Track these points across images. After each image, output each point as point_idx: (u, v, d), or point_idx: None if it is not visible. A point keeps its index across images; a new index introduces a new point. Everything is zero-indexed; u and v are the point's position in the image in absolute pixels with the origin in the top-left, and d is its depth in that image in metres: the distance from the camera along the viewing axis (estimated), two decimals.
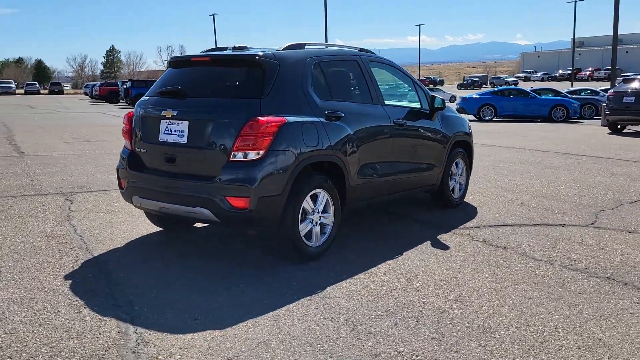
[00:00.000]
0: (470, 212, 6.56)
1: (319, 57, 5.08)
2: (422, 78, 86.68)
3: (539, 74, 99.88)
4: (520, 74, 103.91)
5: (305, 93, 4.72)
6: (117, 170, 5.10)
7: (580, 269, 4.58)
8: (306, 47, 5.13)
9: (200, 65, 4.89)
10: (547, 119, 24.14)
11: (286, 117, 4.45)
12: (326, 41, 37.18)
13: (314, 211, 4.70)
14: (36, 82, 79.93)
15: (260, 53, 4.68)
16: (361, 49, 5.86)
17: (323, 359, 3.08)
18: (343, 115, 4.95)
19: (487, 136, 15.76)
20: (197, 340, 3.28)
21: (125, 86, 40.49)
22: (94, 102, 48.34)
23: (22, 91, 70.58)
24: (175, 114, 4.58)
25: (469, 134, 6.92)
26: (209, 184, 4.34)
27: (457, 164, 6.75)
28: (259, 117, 4.30)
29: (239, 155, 4.30)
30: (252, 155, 4.29)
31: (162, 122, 4.69)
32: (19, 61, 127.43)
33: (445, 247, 5.15)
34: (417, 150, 6.00)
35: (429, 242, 5.32)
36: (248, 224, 4.48)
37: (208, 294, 4.01)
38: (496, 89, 29.43)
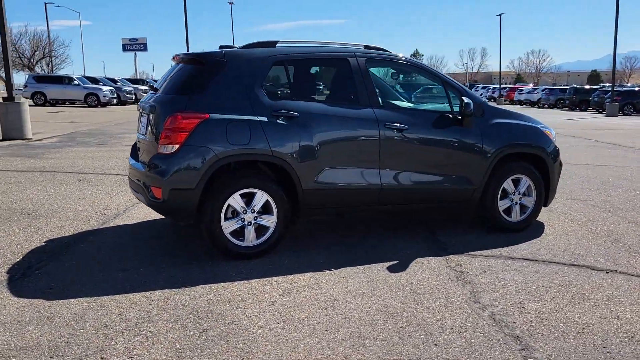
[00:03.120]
0: (521, 237, 5.46)
1: (284, 55, 4.92)
2: None
3: None
4: None
5: (248, 91, 4.66)
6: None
7: None
8: (278, 44, 5.02)
9: (175, 62, 5.22)
10: None
11: (211, 114, 4.50)
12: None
13: (245, 210, 4.63)
14: None
15: (212, 51, 4.80)
16: (367, 46, 5.37)
17: None
18: (297, 115, 4.73)
19: None
20: None
21: None
22: None
23: None
24: (142, 108, 5.04)
25: (542, 148, 5.68)
26: (144, 173, 4.69)
27: (517, 181, 5.65)
28: (178, 113, 4.47)
29: (162, 148, 4.53)
30: (169, 149, 4.47)
31: (141, 115, 5.20)
32: None
33: (411, 278, 4.51)
34: (431, 159, 5.26)
35: (402, 264, 4.70)
36: (166, 214, 4.69)
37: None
38: None
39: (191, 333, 3.31)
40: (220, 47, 5.10)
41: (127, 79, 43.28)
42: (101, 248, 4.96)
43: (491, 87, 61.23)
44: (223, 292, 3.96)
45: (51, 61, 57.94)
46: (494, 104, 5.75)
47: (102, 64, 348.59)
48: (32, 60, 59.35)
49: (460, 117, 5.32)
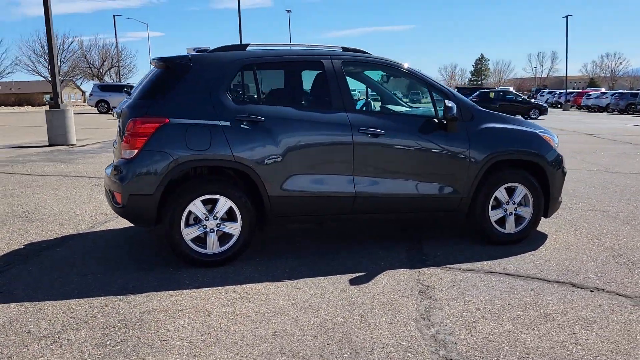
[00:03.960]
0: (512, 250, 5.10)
1: (252, 59, 4.79)
2: None
3: None
4: None
5: (212, 96, 4.57)
6: None
7: None
8: (249, 47, 4.90)
9: (152, 66, 5.20)
10: None
11: (171, 119, 4.44)
12: None
13: (208, 217, 4.54)
14: (419, 92, 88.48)
15: (180, 55, 4.75)
16: (346, 48, 5.17)
17: None
18: (263, 120, 4.60)
19: None
20: None
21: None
22: None
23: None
24: (116, 114, 5.05)
25: (540, 155, 5.28)
26: (110, 178, 4.69)
27: (512, 191, 5.28)
28: (137, 118, 4.43)
29: (124, 153, 4.51)
30: (129, 154, 4.44)
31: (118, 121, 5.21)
32: None
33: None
34: (411, 166, 4.99)
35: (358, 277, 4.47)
36: (128, 219, 4.65)
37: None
38: None
39: (107, 343, 3.22)
40: (197, 50, 5.04)
41: None
42: (75, 252, 5.00)
43: (557, 92, 58.80)
44: (165, 301, 3.87)
45: (119, 71, 60.54)
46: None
47: None
48: (101, 70, 62.24)
49: (445, 122, 5.02)
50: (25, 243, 5.29)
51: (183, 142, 4.41)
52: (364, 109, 5.58)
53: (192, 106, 4.52)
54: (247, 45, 4.90)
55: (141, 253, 4.97)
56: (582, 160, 11.82)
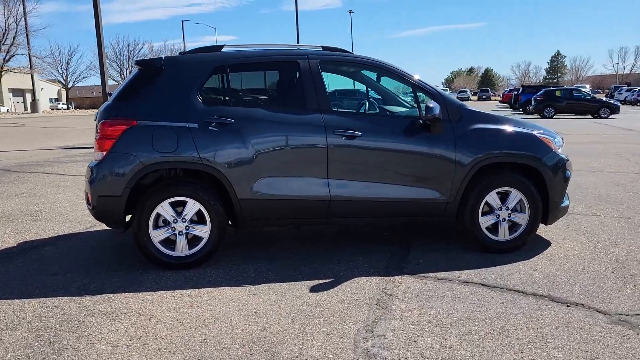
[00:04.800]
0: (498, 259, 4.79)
1: (226, 60, 4.73)
2: None
3: None
4: None
5: (183, 97, 4.55)
6: None
7: None
8: (224, 49, 4.85)
9: None
10: None
11: (139, 121, 4.46)
12: None
13: (176, 220, 4.52)
14: (488, 89, 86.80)
15: (154, 57, 4.77)
16: (326, 47, 5.01)
17: None
18: (232, 121, 4.54)
19: None
20: None
21: (515, 92, 39.96)
22: (501, 106, 49.06)
23: (475, 98, 78.46)
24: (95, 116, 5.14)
25: (536, 157, 4.92)
26: (85, 180, 4.77)
27: (505, 195, 4.96)
28: (106, 120, 4.48)
29: (96, 155, 4.57)
30: (100, 156, 4.50)
31: None
32: (470, 70, 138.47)
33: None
34: (391, 168, 4.78)
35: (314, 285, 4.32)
36: (99, 220, 4.69)
37: None
38: None
39: (36, 344, 3.24)
40: (180, 53, 5.06)
41: None
42: (60, 252, 5.12)
43: (637, 90, 55.45)
44: (117, 303, 3.87)
45: None
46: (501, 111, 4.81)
47: None
48: None
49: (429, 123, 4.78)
50: (20, 241, 5.47)
51: (150, 145, 4.41)
52: (362, 110, 5.42)
53: (162, 108, 4.52)
54: (222, 46, 4.85)
55: (123, 254, 5.02)
56: (636, 162, 11.02)
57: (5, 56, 36.70)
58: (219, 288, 4.16)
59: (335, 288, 4.15)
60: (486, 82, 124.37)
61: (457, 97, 74.04)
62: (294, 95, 4.80)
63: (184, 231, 4.53)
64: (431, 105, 4.61)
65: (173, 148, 4.42)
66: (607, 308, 3.74)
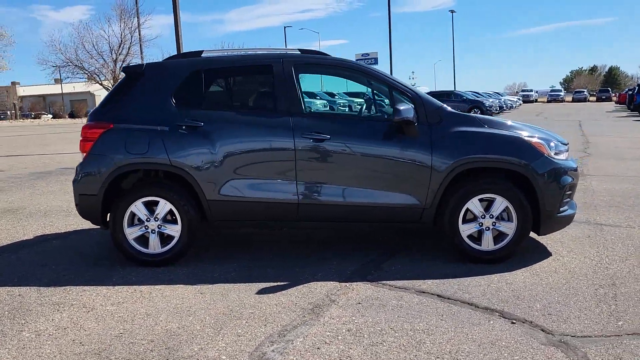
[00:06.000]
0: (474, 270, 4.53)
1: (203, 64, 4.87)
2: None
3: None
4: None
5: (158, 102, 4.75)
6: None
7: None
8: (203, 54, 4.99)
9: None
10: None
11: (115, 124, 4.72)
12: None
13: (149, 218, 4.73)
14: (608, 89, 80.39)
15: (137, 64, 5.02)
16: (304, 51, 4.98)
17: None
18: (202, 124, 4.67)
19: None
20: None
21: (630, 92, 36.79)
22: (618, 107, 45.44)
23: (594, 98, 72.95)
24: None
25: (523, 163, 4.57)
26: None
27: (490, 202, 4.68)
28: (88, 123, 4.80)
29: (82, 157, 4.91)
30: (82, 157, 4.83)
31: None
32: (593, 69, 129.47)
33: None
34: (360, 172, 4.66)
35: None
36: (83, 217, 4.99)
37: None
38: None
39: None
40: (166, 58, 5.29)
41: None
42: (65, 245, 5.52)
43: None
44: (70, 295, 4.12)
45: None
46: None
47: None
48: None
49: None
50: (38, 234, 5.97)
51: (123, 147, 4.64)
52: (363, 111, 5.35)
53: (139, 112, 4.75)
54: (201, 52, 5.00)
55: (113, 250, 5.31)
56: None
57: (122, 65, 39.96)
58: (174, 286, 4.28)
59: (283, 291, 4.12)
60: (610, 82, 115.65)
61: (574, 98, 69.87)
62: (265, 98, 4.84)
63: (157, 230, 4.71)
64: (400, 107, 4.45)
65: (144, 150, 4.62)
66: (556, 328, 3.42)
